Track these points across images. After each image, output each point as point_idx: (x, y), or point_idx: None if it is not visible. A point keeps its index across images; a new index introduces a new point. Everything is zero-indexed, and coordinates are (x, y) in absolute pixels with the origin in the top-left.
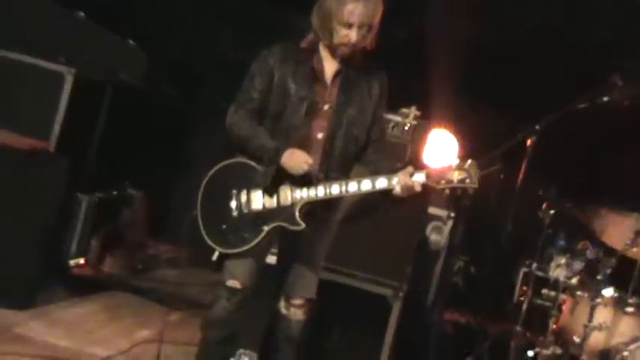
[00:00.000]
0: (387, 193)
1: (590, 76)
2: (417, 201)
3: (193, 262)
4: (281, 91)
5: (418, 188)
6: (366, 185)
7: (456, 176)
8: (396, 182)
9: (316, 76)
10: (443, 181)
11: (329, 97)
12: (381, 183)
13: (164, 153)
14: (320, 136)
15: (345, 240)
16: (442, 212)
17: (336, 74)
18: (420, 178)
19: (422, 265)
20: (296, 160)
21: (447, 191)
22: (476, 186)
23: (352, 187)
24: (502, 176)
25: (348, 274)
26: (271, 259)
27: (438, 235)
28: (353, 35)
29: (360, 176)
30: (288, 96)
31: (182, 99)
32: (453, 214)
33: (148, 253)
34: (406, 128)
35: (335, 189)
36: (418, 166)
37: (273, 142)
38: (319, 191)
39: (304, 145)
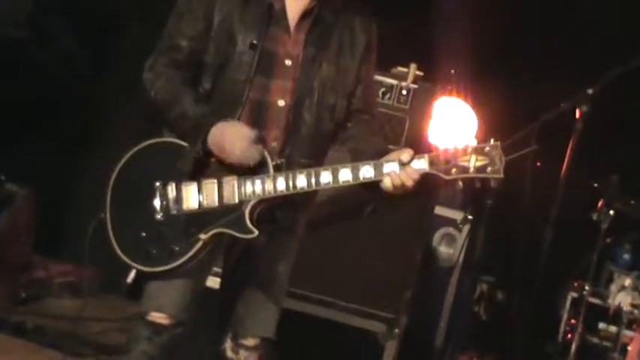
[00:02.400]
0: (374, 186)
1: None
2: (420, 198)
3: (100, 287)
4: (224, 38)
5: (415, 177)
6: (344, 175)
7: (472, 163)
8: (387, 171)
9: (274, 16)
10: (454, 170)
11: (293, 48)
12: (367, 172)
13: (60, 134)
14: (282, 103)
15: (319, 255)
16: (455, 214)
17: (304, 16)
18: (421, 165)
19: (427, 289)
20: (232, 141)
21: (460, 184)
22: (500, 176)
23: (325, 177)
24: (539, 163)
25: (324, 302)
26: (214, 282)
27: (449, 247)
28: None
29: (337, 162)
30: (234, 44)
31: (87, 58)
32: (470, 217)
33: (35, 277)
34: (403, 94)
35: (301, 181)
36: (420, 148)
37: (200, 108)
38: (279, 184)
39: (258, 115)
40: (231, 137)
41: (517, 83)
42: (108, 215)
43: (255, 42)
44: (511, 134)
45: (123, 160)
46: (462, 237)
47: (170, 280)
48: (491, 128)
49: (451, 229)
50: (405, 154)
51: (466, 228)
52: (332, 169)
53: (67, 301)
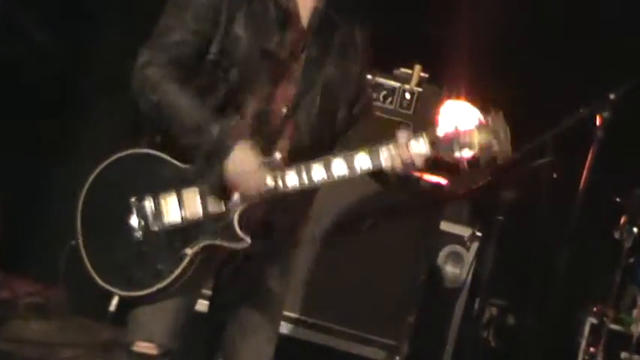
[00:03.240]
0: (378, 177)
1: None
2: (424, 212)
3: (73, 309)
4: (229, 39)
5: (419, 162)
6: (339, 168)
7: (476, 140)
8: (384, 157)
9: (289, 18)
10: (457, 150)
11: (300, 50)
12: (363, 162)
13: (31, 137)
14: (285, 109)
15: (314, 275)
16: (462, 230)
17: (313, 13)
18: (420, 147)
19: (432, 312)
20: (248, 174)
21: (466, 165)
22: (509, 151)
23: (318, 173)
24: (555, 175)
25: (319, 327)
26: (202, 305)
27: (456, 267)
28: None
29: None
30: (239, 48)
31: (62, 52)
32: (479, 234)
33: None
34: (407, 98)
35: (292, 179)
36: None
37: (215, 124)
38: (267, 182)
39: (260, 125)
40: (248, 172)
41: (532, 86)
42: (80, 241)
43: (266, 50)
44: (525, 143)
45: (94, 174)
46: (469, 256)
47: (159, 304)
48: None
49: (458, 247)
50: (401, 134)
51: (474, 246)
52: (323, 162)
53: (34, 324)
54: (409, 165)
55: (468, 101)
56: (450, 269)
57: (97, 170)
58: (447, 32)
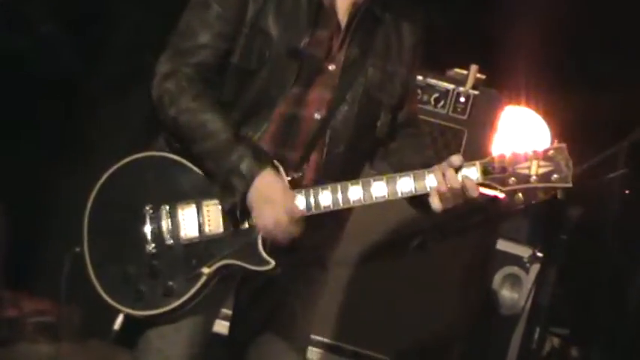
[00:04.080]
0: (422, 205)
1: None
2: (478, 230)
3: (84, 330)
4: (257, 38)
5: (474, 193)
6: (378, 190)
7: (534, 170)
8: (430, 182)
9: (323, 13)
10: (512, 179)
11: (338, 50)
12: (405, 185)
13: (38, 140)
14: (318, 116)
15: (352, 298)
16: (521, 250)
17: (353, 9)
18: (472, 174)
19: (485, 342)
20: (277, 215)
21: (521, 196)
22: (569, 185)
23: (354, 194)
24: (628, 190)
25: (359, 356)
26: (222, 326)
27: (513, 291)
28: None
29: None
30: (268, 47)
31: (72, 47)
32: (540, 254)
33: (4, 315)
34: (461, 101)
35: (325, 198)
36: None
37: (238, 147)
38: (298, 204)
39: (287, 132)
40: (279, 208)
41: (601, 91)
42: (86, 249)
43: (295, 48)
44: (594, 154)
45: (101, 181)
46: (529, 279)
47: (173, 324)
48: (568, 146)
49: (516, 269)
50: (454, 158)
51: (535, 268)
52: (362, 182)
53: (43, 346)
54: (458, 193)
55: (530, 108)
56: (506, 294)
57: (108, 173)
58: (507, 30)
